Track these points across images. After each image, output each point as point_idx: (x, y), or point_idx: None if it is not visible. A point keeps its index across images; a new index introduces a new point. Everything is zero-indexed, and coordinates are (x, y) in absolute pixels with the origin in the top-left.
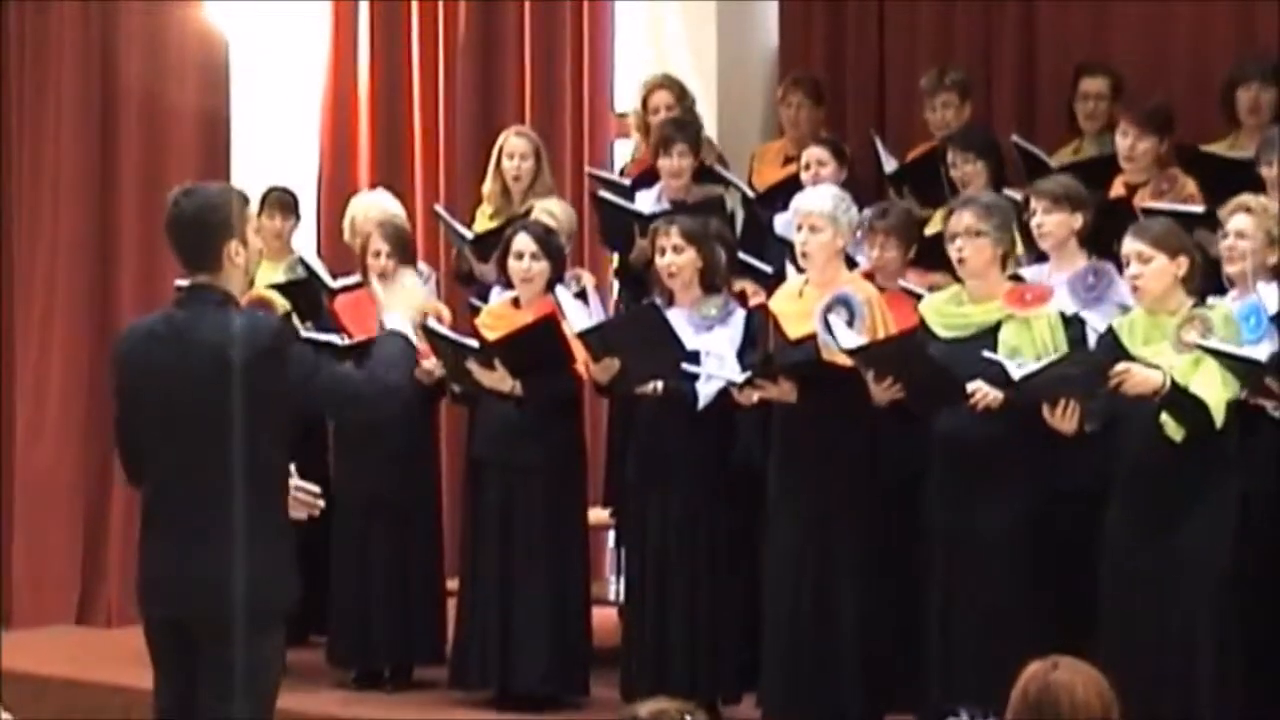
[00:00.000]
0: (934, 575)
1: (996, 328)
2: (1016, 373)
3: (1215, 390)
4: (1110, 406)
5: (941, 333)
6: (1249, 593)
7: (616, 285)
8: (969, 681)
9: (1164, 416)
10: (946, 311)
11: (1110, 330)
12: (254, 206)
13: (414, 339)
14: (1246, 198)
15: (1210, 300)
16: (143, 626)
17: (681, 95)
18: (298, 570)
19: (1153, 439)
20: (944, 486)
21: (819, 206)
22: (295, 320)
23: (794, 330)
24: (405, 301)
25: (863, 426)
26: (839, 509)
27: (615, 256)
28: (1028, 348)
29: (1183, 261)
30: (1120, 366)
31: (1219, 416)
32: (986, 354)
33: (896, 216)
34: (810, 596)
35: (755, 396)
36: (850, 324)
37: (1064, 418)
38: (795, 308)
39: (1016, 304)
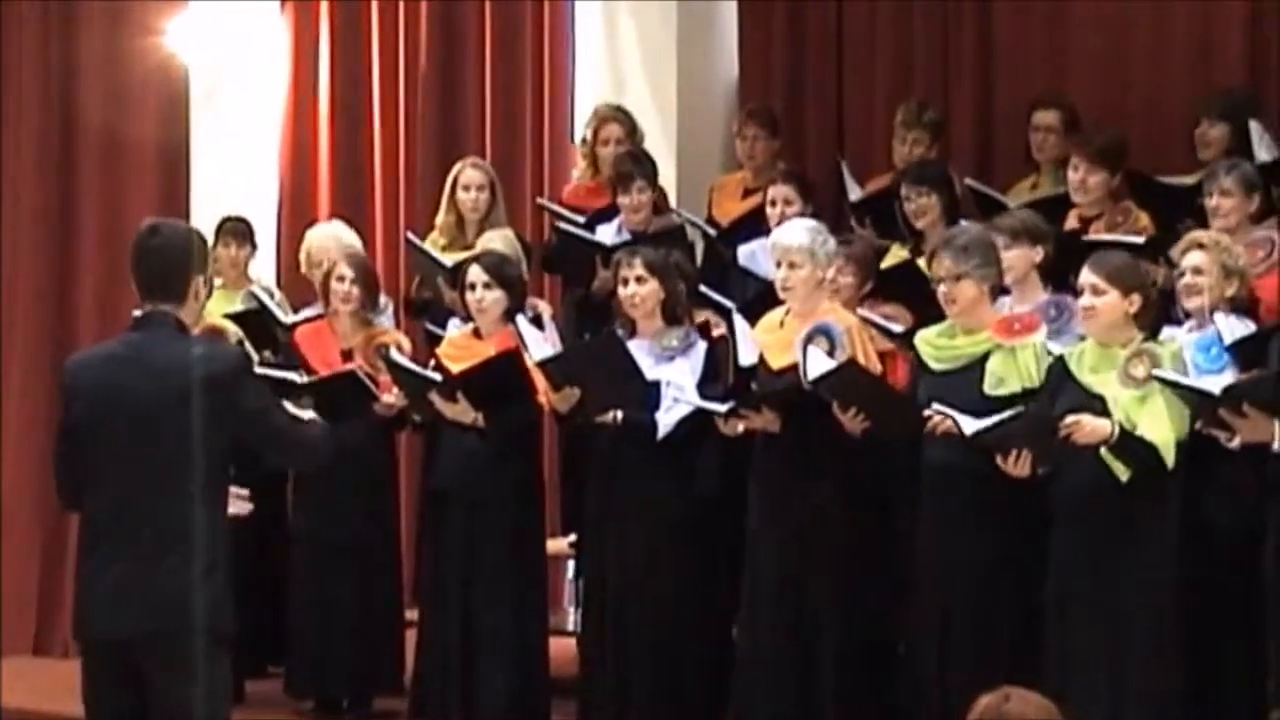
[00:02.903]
0: (925, 606)
1: (984, 358)
2: (969, 429)
3: (1163, 431)
4: (1061, 450)
5: (933, 365)
6: (1195, 626)
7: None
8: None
9: (1107, 455)
10: (939, 344)
11: (1060, 359)
12: (209, 237)
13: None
14: (1199, 234)
15: (1165, 334)
16: (82, 653)
17: (632, 130)
18: (234, 596)
19: (1094, 474)
20: (933, 516)
21: (797, 241)
22: (251, 349)
23: (776, 361)
24: None
25: (844, 455)
26: (819, 537)
27: (560, 286)
28: (1013, 377)
29: (1135, 299)
30: (1070, 419)
31: (1169, 457)
32: (937, 407)
33: (861, 246)
34: (789, 625)
35: (740, 427)
36: (831, 353)
37: (1016, 465)
38: (777, 338)
39: (1004, 334)
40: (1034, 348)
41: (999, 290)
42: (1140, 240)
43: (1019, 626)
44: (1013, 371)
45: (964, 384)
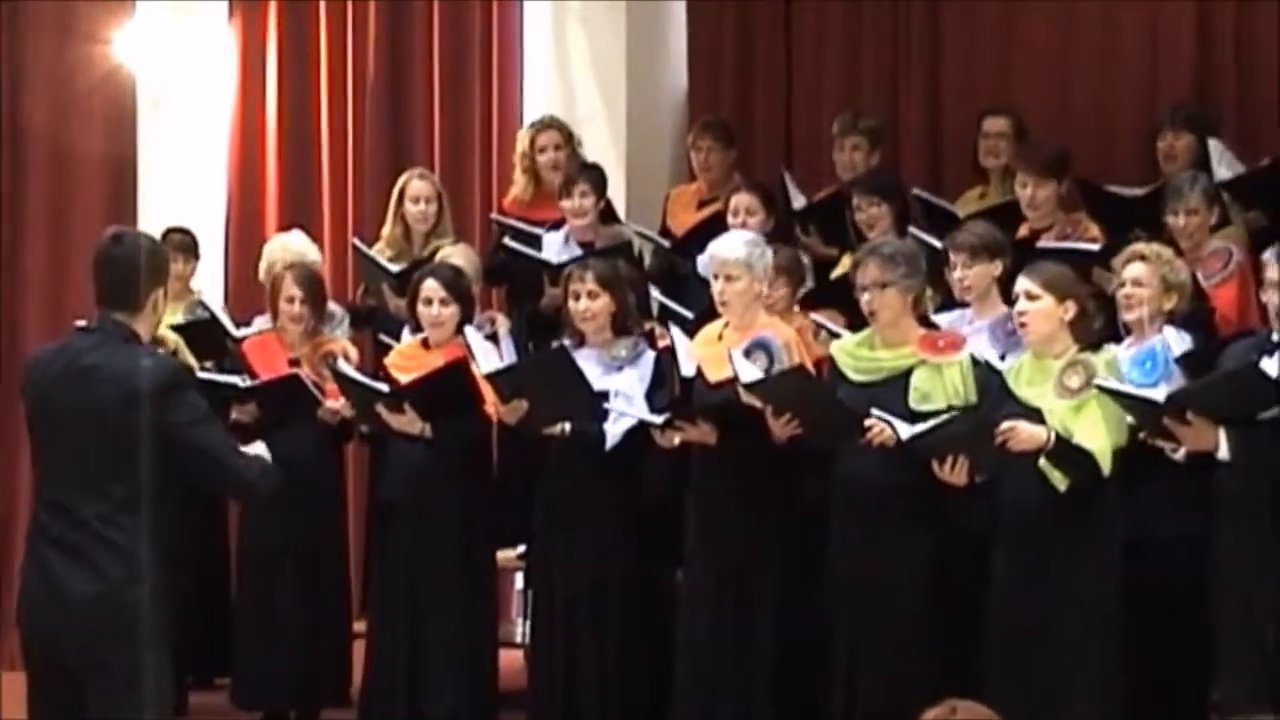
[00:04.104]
0: (838, 617)
1: (908, 372)
2: (905, 433)
3: (1100, 439)
4: (999, 458)
5: (853, 376)
6: (1137, 637)
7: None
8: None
9: (1045, 465)
10: (858, 355)
11: (999, 375)
12: None
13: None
14: (1140, 246)
15: (1108, 346)
16: (22, 649)
17: (569, 138)
18: (172, 605)
19: (1035, 488)
20: (846, 529)
21: (734, 255)
22: (193, 360)
23: (714, 374)
24: None
25: (780, 468)
26: (757, 550)
27: (506, 298)
28: (939, 393)
29: (1070, 306)
30: (1006, 425)
31: (1105, 465)
32: (875, 413)
33: (785, 256)
34: (728, 639)
35: (676, 439)
36: (770, 367)
37: (953, 472)
38: (714, 351)
39: (929, 350)
40: (960, 366)
41: (921, 303)
42: (1095, 248)
43: (936, 640)
44: (938, 388)
45: (887, 397)
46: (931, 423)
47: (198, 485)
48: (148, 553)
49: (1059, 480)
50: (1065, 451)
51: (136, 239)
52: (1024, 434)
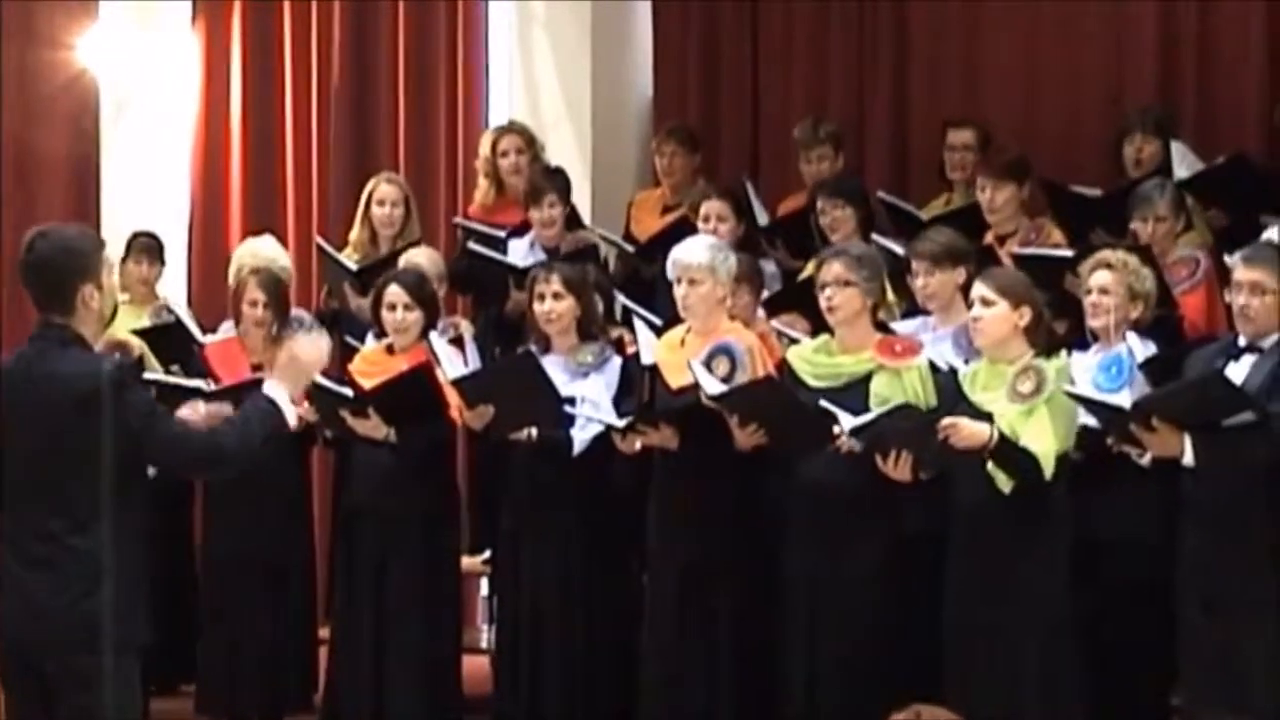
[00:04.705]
0: (796, 618)
1: (868, 378)
2: (848, 424)
3: (1045, 442)
4: (944, 455)
5: (811, 382)
6: (1099, 640)
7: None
8: None
9: (991, 467)
10: (816, 361)
11: (954, 376)
12: (119, 251)
13: (287, 413)
14: (1106, 253)
15: (1061, 353)
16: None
17: (530, 142)
18: (147, 609)
19: (983, 489)
20: (806, 532)
21: (697, 259)
22: (157, 364)
23: (675, 380)
24: (294, 377)
25: (742, 473)
26: (718, 555)
27: (472, 303)
28: (899, 398)
29: (1025, 312)
30: (947, 421)
31: (1048, 468)
32: (823, 403)
33: (744, 264)
34: (691, 640)
35: (638, 444)
36: (733, 373)
37: (896, 467)
38: (677, 357)
39: (887, 355)
40: (919, 371)
41: (881, 310)
42: (1069, 254)
43: (894, 641)
44: (898, 392)
45: (848, 403)
46: (874, 414)
47: (172, 473)
48: (115, 560)
49: (1004, 482)
50: (1008, 452)
51: (57, 239)
52: (965, 430)
